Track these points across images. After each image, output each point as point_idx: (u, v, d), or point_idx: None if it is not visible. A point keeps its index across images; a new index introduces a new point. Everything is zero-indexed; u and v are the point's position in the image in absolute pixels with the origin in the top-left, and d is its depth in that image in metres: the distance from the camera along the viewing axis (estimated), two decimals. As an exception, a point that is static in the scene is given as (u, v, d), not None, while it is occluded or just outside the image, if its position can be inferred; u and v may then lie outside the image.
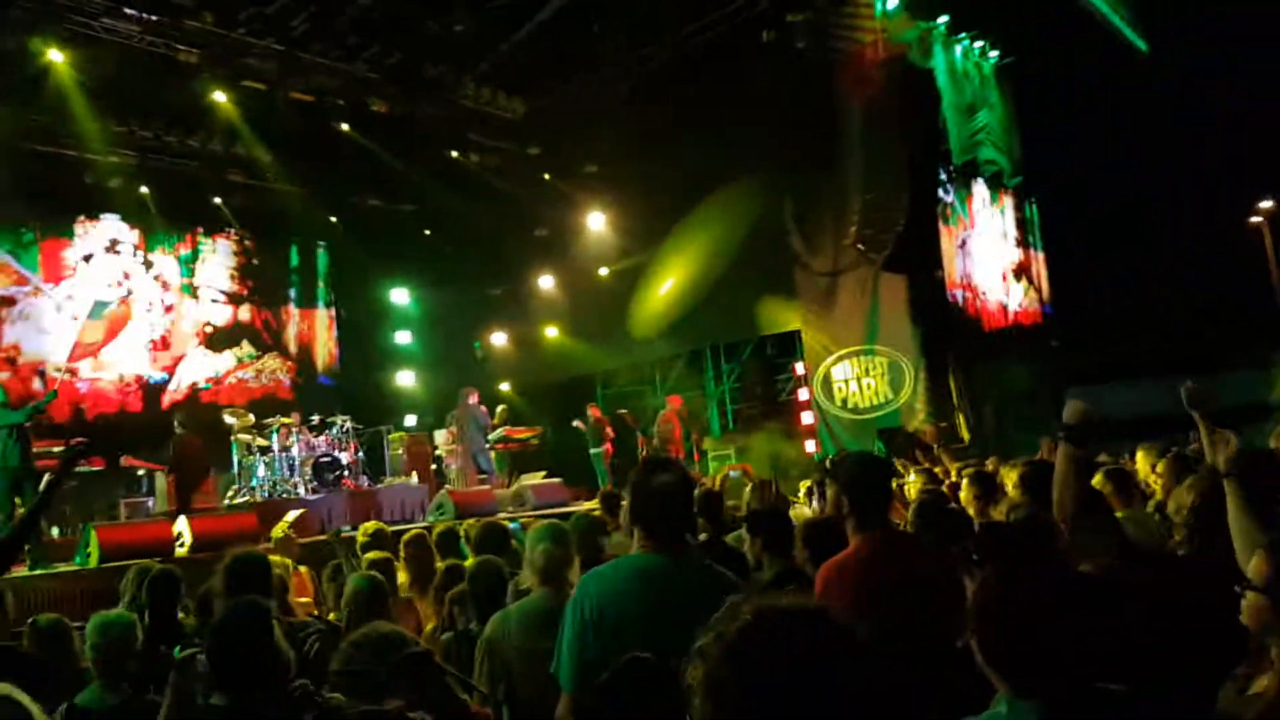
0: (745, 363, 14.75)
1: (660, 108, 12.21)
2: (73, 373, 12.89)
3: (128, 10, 9.84)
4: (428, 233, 15.46)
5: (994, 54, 14.32)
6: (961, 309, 14.02)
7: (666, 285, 13.72)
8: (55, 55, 9.77)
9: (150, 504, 11.53)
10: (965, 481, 5.07)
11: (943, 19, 12.69)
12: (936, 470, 7.25)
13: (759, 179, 12.47)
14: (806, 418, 13.27)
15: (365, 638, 2.39)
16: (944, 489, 5.86)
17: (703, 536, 4.55)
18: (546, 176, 14.03)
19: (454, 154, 13.34)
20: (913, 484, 6.69)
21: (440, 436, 13.29)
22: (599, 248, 14.33)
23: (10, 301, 12.50)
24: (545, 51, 11.59)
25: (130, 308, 13.50)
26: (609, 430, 12.86)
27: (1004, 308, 15.44)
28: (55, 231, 13.02)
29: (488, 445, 12.85)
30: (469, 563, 4.28)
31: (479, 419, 12.30)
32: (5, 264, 12.57)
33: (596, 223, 14.21)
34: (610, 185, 13.83)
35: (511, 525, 6.06)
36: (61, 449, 3.72)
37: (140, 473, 12.43)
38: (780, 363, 14.40)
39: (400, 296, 16.26)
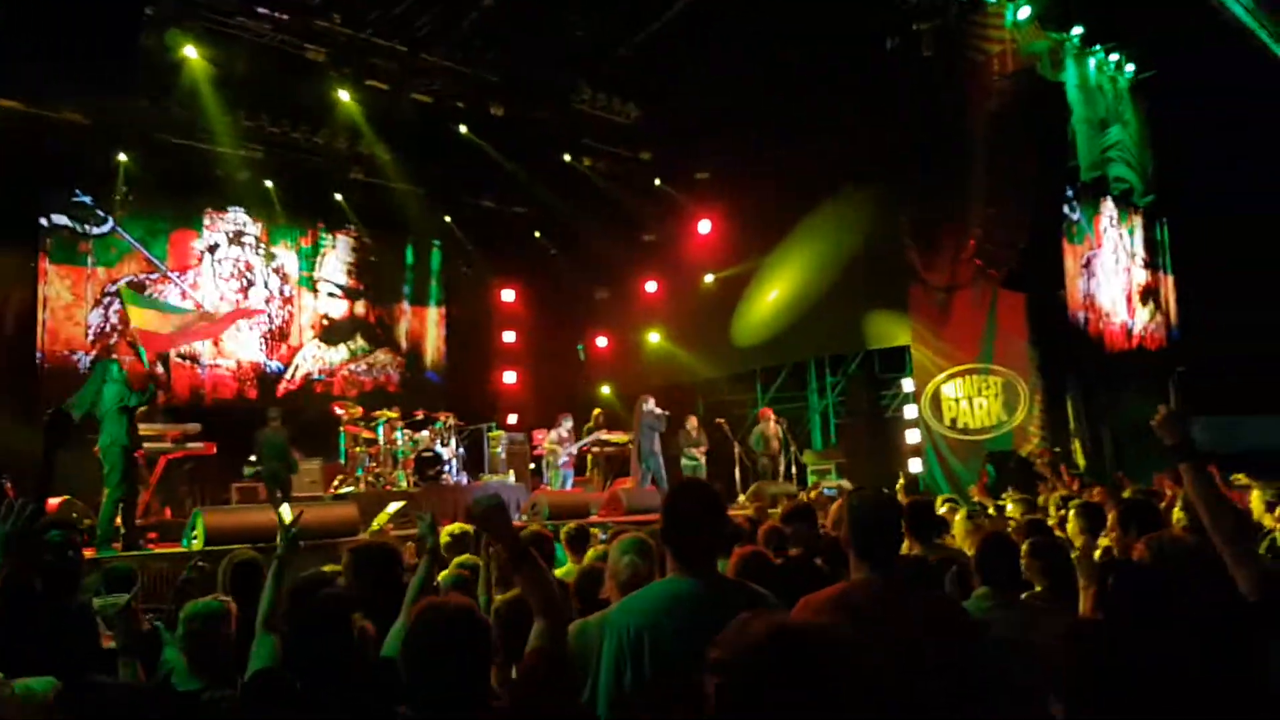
0: (851, 376, 14.38)
1: (775, 115, 12.01)
2: (194, 359, 13.43)
3: (260, 10, 10.15)
4: (537, 235, 15.61)
5: (1130, 68, 13.60)
6: (1083, 331, 13.38)
7: (773, 294, 13.51)
8: (190, 51, 10.07)
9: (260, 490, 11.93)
10: (1072, 513, 4.81)
11: (1077, 30, 12.11)
12: (1039, 499, 6.90)
13: (874, 189, 12.16)
14: (912, 436, 12.86)
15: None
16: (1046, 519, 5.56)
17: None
18: (657, 182, 13.99)
19: (566, 157, 13.41)
20: (1012, 511, 6.38)
21: (540, 435, 13.37)
22: (705, 254, 14.21)
23: (139, 288, 13.06)
24: (662, 57, 11.51)
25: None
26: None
27: (1128, 331, 14.67)
28: (185, 222, 13.59)
29: (590, 448, 12.98)
30: (566, 570, 4.26)
31: (654, 424, 12.18)
32: (136, 252, 13.18)
33: (704, 229, 14.08)
34: (720, 192, 13.71)
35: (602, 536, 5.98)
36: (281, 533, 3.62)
37: (253, 458, 12.90)
38: (887, 378, 13.99)
39: (508, 296, 16.45)
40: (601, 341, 15.74)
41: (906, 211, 12.37)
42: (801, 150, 12.03)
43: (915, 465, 12.58)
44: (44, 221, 12.28)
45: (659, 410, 12.28)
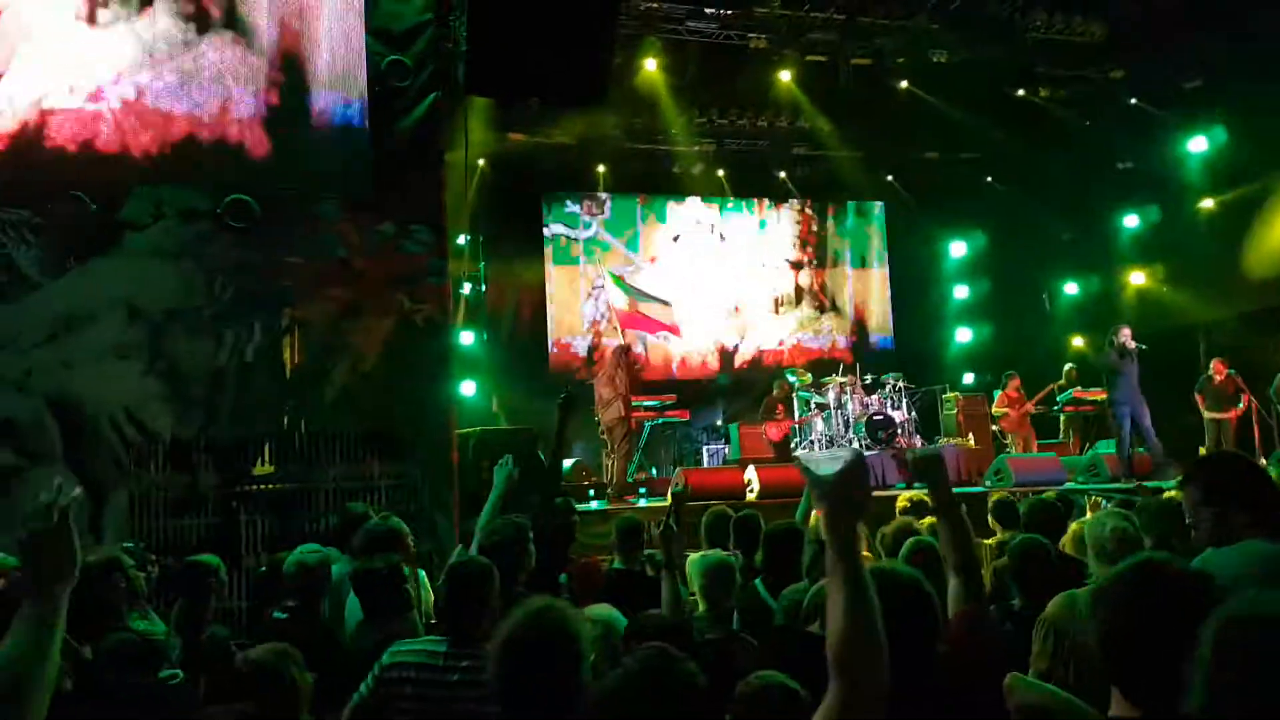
0: None
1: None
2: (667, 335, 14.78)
3: (707, 10, 10.80)
4: (989, 180, 14.60)
5: None
6: None
7: (1302, 215, 11.08)
8: (649, 63, 11.07)
9: (725, 451, 12.92)
10: None
11: None
12: None
13: None
14: None
15: None
16: None
17: None
18: (1133, 101, 12.20)
19: (1020, 92, 12.31)
20: None
21: (998, 398, 12.48)
22: (1202, 177, 12.11)
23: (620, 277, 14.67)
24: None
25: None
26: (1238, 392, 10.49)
27: None
28: (652, 217, 15.06)
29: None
30: (1011, 538, 4.06)
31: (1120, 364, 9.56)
32: (616, 249, 14.90)
33: (1198, 147, 12.01)
34: (1217, 102, 11.55)
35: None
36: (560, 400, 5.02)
37: (719, 423, 14.00)
38: None
39: (958, 250, 15.69)
40: (1071, 288, 14.20)
41: None
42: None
43: None
44: (546, 232, 14.45)
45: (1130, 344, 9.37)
